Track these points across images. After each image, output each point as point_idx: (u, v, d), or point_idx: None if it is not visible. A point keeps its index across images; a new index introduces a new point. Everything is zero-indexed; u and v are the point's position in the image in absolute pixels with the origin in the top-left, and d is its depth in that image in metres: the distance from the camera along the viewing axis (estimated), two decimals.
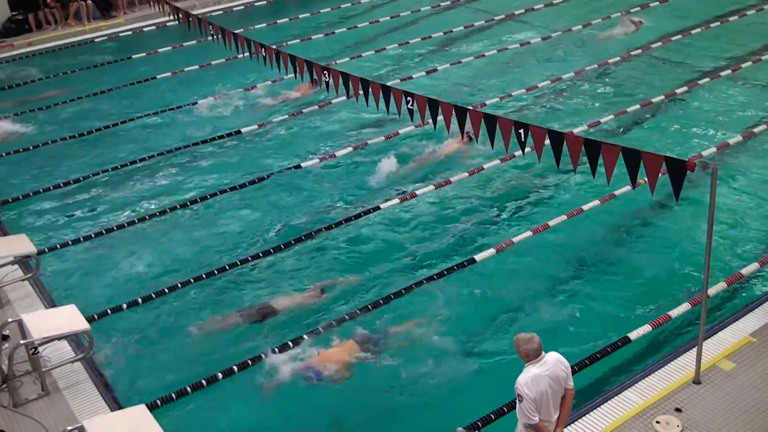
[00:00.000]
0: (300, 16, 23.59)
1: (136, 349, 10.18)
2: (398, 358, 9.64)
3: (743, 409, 8.09)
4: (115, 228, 12.86)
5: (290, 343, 9.83)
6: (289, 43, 20.74)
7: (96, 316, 10.54)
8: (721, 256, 11.13)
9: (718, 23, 20.63)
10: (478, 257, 11.36)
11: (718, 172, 7.62)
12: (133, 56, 21.01)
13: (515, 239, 11.70)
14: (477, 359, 9.67)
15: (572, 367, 8.76)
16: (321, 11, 24.04)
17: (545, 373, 6.84)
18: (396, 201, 13.04)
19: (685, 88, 16.73)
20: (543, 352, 6.91)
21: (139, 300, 10.98)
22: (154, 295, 11.07)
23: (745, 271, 10.62)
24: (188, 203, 13.52)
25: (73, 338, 9.70)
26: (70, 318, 9.21)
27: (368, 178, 14.02)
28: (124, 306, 10.86)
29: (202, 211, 13.41)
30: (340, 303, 10.79)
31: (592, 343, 9.49)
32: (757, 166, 13.65)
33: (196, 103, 17.75)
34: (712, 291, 9.80)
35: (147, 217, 13.12)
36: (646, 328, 9.53)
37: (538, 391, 6.80)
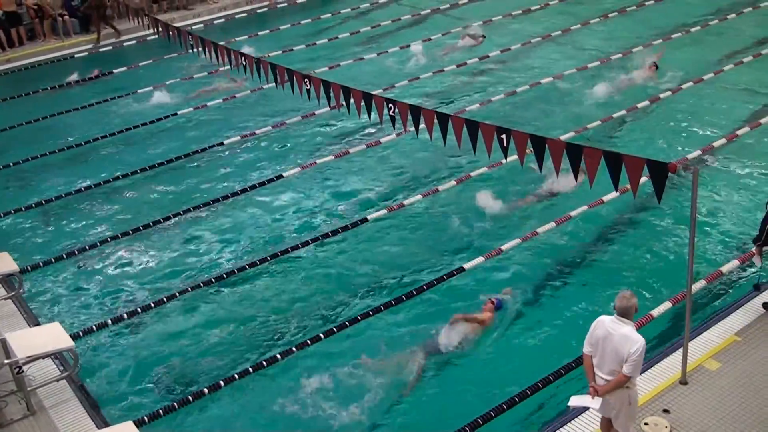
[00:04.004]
0: (281, 28, 23.58)
1: (122, 366, 10.09)
2: None
3: (730, 408, 8.13)
4: (98, 243, 12.76)
5: None
6: (270, 54, 20.73)
7: (81, 333, 10.47)
8: (703, 255, 11.23)
9: (698, 27, 20.82)
10: (467, 266, 11.37)
11: (699, 173, 7.68)
12: (114, 71, 20.94)
13: (504, 247, 11.72)
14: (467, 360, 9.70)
15: (558, 371, 8.89)
16: (301, 22, 24.05)
17: (609, 327, 7.11)
18: (384, 212, 13.06)
19: (668, 93, 16.85)
20: (625, 318, 7.07)
21: (125, 315, 10.89)
22: (139, 310, 11.00)
23: (724, 268, 10.74)
24: (171, 217, 13.43)
25: (58, 356, 9.62)
26: (54, 336, 9.14)
27: None
28: (109, 322, 10.77)
29: (185, 225, 13.32)
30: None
31: (578, 347, 9.49)
32: (737, 167, 13.77)
33: (177, 114, 17.69)
34: (693, 289, 9.85)
35: (130, 232, 13.03)
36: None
37: (594, 333, 7.23)
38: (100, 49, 22.83)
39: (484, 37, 21.20)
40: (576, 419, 8.27)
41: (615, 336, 7.04)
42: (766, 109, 15.89)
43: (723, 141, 14.51)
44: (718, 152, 14.23)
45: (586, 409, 7.97)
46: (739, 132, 14.82)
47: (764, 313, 9.52)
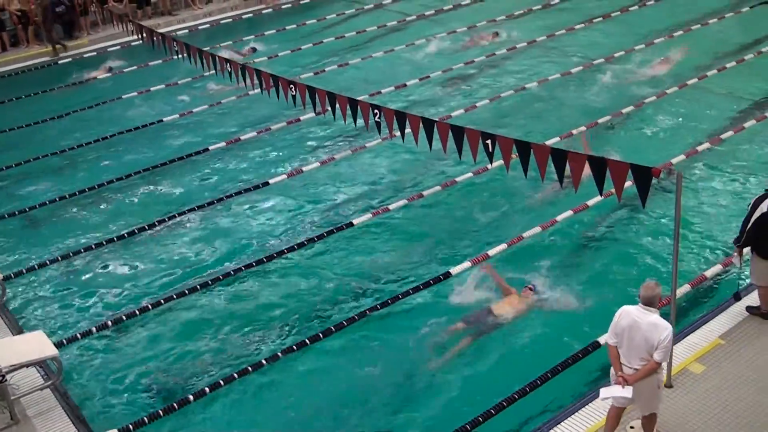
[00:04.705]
0: (266, 33, 23.53)
1: (106, 374, 10.01)
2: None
3: (715, 411, 8.17)
4: (82, 250, 12.68)
5: None
6: (256, 60, 20.73)
7: (65, 341, 10.39)
8: (687, 259, 11.29)
9: (680, 32, 20.96)
10: (453, 270, 11.38)
11: (683, 177, 7.73)
12: (99, 77, 20.86)
13: (490, 252, 11.73)
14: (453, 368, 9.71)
15: (545, 374, 8.92)
16: (286, 28, 24.02)
17: (635, 316, 7.25)
18: (369, 216, 13.04)
19: (653, 98, 16.95)
20: (651, 307, 7.23)
21: (109, 323, 10.81)
22: (124, 317, 10.92)
23: (708, 273, 10.80)
24: (156, 223, 13.37)
25: (42, 365, 9.54)
26: (38, 344, 9.07)
27: None
28: (94, 329, 10.69)
29: (170, 232, 13.26)
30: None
31: (564, 349, 9.53)
32: (721, 170, 13.88)
33: (162, 121, 17.63)
34: (677, 293, 9.89)
35: (115, 239, 12.97)
36: None
37: (619, 323, 7.34)
38: (85, 56, 22.71)
39: (497, 33, 21.77)
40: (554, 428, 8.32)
41: (642, 324, 7.20)
42: (749, 114, 16.02)
43: (707, 145, 14.61)
44: (702, 156, 14.32)
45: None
46: (723, 136, 14.93)
47: (748, 316, 9.58)
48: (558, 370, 9.18)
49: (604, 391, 7.62)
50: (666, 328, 7.16)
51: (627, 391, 7.34)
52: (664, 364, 7.51)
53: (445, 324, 10.29)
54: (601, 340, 9.45)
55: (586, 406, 8.43)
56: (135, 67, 21.28)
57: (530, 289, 10.66)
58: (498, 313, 10.34)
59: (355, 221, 12.91)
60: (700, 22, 21.57)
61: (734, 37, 20.44)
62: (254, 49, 21.83)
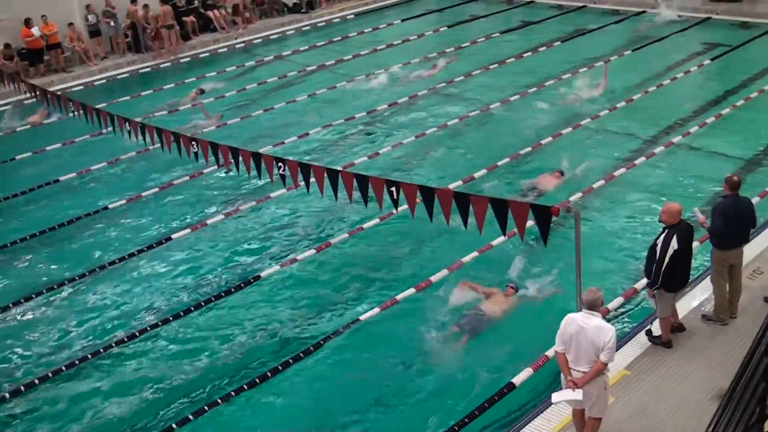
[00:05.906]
0: (164, 87, 23.25)
1: None
2: None
3: None
4: None
5: None
6: (155, 115, 20.43)
7: None
8: None
9: (569, 75, 21.85)
10: (362, 317, 11.36)
11: (580, 214, 8.02)
12: None
13: (398, 297, 11.79)
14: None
15: (463, 419, 8.95)
16: (185, 81, 23.78)
17: (581, 322, 7.62)
18: (277, 267, 12.92)
19: (549, 139, 17.52)
20: (595, 312, 7.63)
21: (22, 388, 10.35)
22: (37, 381, 10.45)
23: (611, 305, 11.11)
24: (55, 287, 12.88)
25: None
26: None
27: None
28: (7, 395, 10.23)
29: (71, 293, 12.79)
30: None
31: (478, 393, 9.61)
32: (618, 206, 14.46)
33: (58, 181, 17.08)
34: None
35: (11, 306, 12.41)
36: (528, 372, 9.74)
37: (566, 331, 7.71)
38: None
39: (435, 66, 23.16)
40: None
41: (588, 329, 7.55)
42: (639, 152, 16.73)
43: (602, 183, 15.16)
44: (598, 193, 14.85)
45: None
46: (616, 174, 15.53)
47: (650, 345, 9.89)
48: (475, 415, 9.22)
49: (555, 396, 7.94)
50: (610, 330, 7.55)
51: (577, 394, 7.68)
52: (611, 365, 7.84)
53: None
54: (516, 380, 9.66)
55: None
56: (29, 127, 20.62)
57: (512, 287, 11.44)
58: (486, 311, 11.01)
59: (262, 273, 12.76)
60: (587, 65, 22.53)
61: (621, 79, 21.38)
62: (202, 91, 22.26)
